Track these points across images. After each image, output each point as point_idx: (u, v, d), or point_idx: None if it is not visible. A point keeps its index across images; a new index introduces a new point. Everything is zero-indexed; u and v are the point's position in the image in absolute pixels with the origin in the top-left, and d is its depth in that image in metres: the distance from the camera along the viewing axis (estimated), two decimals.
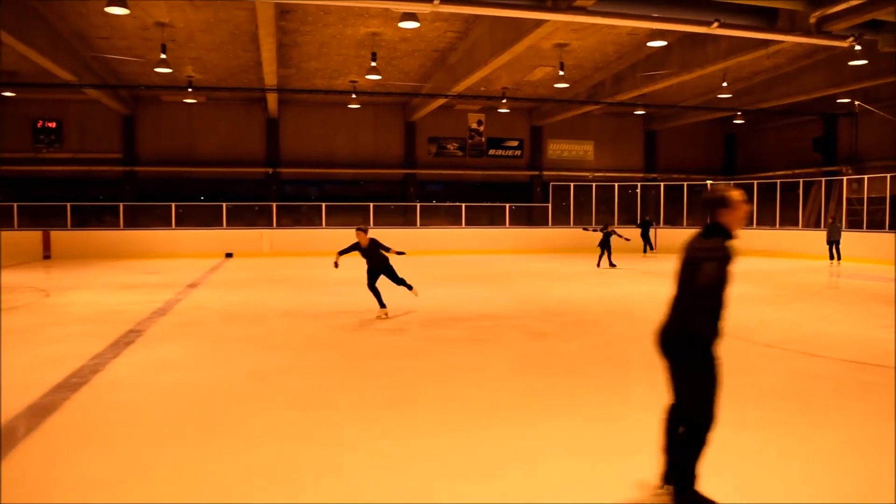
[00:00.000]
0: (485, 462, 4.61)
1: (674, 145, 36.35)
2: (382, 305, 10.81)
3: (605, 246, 19.96)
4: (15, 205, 26.01)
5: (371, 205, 27.56)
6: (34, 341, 8.87)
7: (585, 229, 23.74)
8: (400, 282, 11.09)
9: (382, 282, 10.98)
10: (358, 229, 10.91)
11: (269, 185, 31.44)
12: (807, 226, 26.54)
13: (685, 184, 28.50)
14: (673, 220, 28.28)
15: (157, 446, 4.91)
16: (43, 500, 4.02)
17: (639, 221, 26.56)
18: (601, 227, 20.57)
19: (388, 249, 10.96)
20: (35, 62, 20.02)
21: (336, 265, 11.18)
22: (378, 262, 10.96)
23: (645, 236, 25.44)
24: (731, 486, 4.20)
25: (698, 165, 36.11)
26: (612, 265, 19.86)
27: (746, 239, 20.25)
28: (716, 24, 15.26)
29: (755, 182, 26.54)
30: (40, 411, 5.64)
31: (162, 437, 5.11)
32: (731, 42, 18.75)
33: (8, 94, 27.74)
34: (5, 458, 4.59)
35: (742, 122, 33.93)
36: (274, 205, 27.53)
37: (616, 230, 20.25)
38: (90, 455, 4.72)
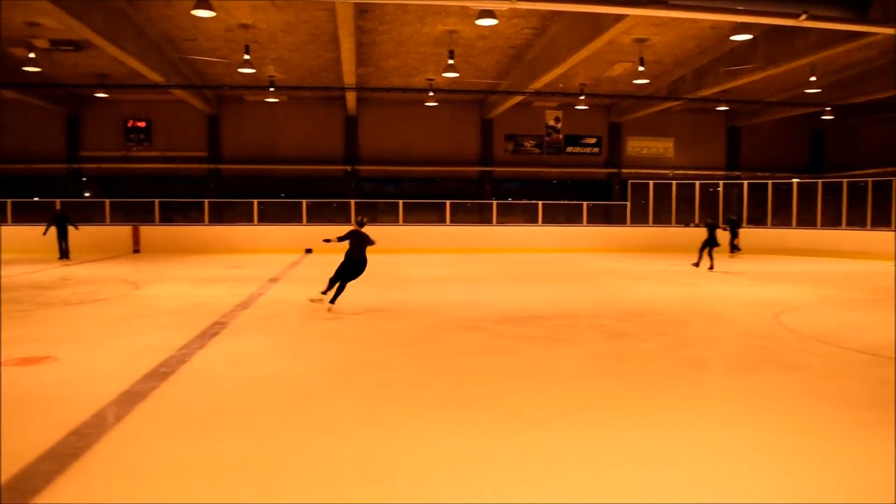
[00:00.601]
0: (558, 463, 4.58)
1: (758, 142, 35.29)
2: (325, 292, 11.07)
3: (710, 244, 18.65)
4: (107, 201, 27.11)
5: (447, 202, 27.64)
6: (124, 332, 9.23)
7: (688, 225, 23.16)
8: (344, 286, 11.22)
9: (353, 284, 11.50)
10: (358, 223, 11.80)
11: (348, 183, 31.90)
12: None
13: (770, 182, 27.64)
14: (757, 220, 27.46)
15: (242, 436, 5.05)
16: (131, 486, 4.18)
17: (722, 220, 25.59)
18: (704, 222, 19.37)
19: (373, 243, 11.54)
20: (125, 64, 20.83)
21: (326, 241, 11.50)
22: (361, 257, 11.34)
23: (733, 235, 24.36)
24: (810, 494, 4.07)
25: (784, 163, 34.96)
26: (705, 266, 18.73)
27: (836, 240, 19.59)
28: (804, 17, 14.73)
29: (844, 181, 25.55)
30: (131, 398, 5.86)
31: (246, 427, 5.25)
32: (821, 35, 18.06)
33: (101, 95, 28.92)
34: (98, 443, 4.79)
35: (831, 117, 32.69)
36: (352, 202, 27.90)
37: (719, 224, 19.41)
38: (178, 442, 4.88)
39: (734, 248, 24.05)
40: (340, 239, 11.34)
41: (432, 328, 9.61)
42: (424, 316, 10.67)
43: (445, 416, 5.53)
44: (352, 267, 11.23)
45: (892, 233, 23.47)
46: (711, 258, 18.64)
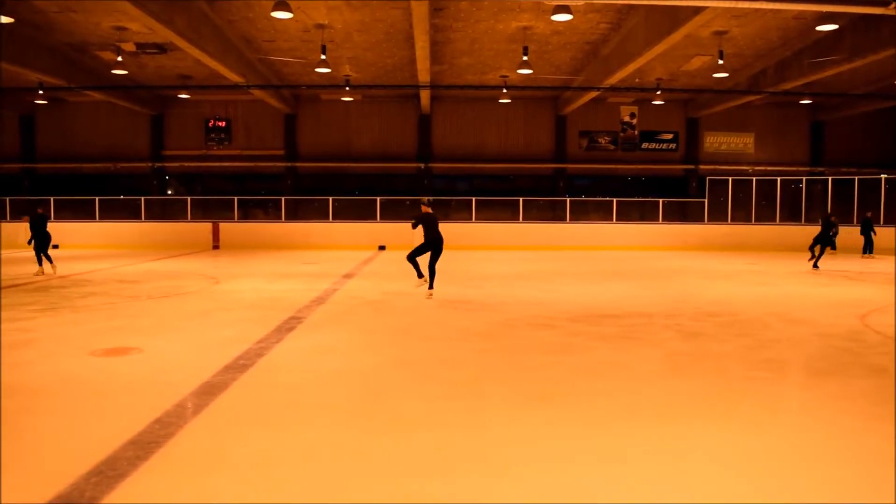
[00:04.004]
0: (634, 464, 4.52)
1: (843, 137, 34.03)
2: (421, 275, 12.30)
3: (824, 241, 18.31)
4: (188, 198, 28.06)
5: (520, 199, 27.58)
6: (204, 325, 9.51)
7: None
8: (433, 270, 12.32)
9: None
10: (423, 203, 12.52)
11: (421, 180, 32.12)
12: None
13: (856, 178, 26.62)
14: (842, 218, 26.47)
15: (319, 427, 5.14)
16: (210, 474, 4.31)
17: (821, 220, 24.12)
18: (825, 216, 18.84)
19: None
20: (207, 65, 21.44)
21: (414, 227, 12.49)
22: (436, 236, 12.22)
23: (865, 233, 23.32)
24: None
25: (871, 158, 33.60)
26: (815, 266, 18.21)
27: None
28: (893, 5, 14.16)
29: None
30: (210, 390, 6.03)
31: (322, 419, 5.34)
32: None
33: (183, 95, 29.85)
34: (181, 431, 4.95)
35: None
36: (425, 198, 28.04)
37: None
38: (256, 433, 5.00)
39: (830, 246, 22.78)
40: (415, 225, 12.40)
41: (504, 325, 9.60)
42: (497, 312, 10.66)
43: (517, 414, 5.52)
44: (428, 247, 12.17)
45: None
46: (818, 255, 18.25)
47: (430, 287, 12.27)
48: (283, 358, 7.44)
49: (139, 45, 21.73)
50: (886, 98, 28.30)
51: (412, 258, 12.24)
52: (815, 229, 20.10)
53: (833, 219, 20.13)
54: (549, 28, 20.24)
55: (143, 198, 27.69)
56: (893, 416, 5.45)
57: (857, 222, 24.29)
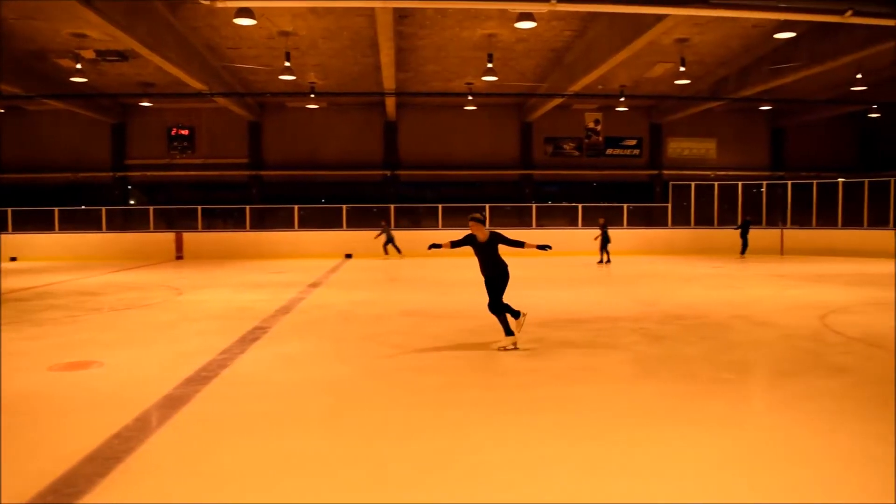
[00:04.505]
0: (604, 467, 4.51)
1: (803, 142, 34.67)
2: (509, 332, 8.32)
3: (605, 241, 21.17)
4: (151, 208, 27.61)
5: (487, 206, 27.58)
6: (167, 337, 9.35)
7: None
8: (499, 308, 8.33)
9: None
10: (472, 219, 8.37)
11: (388, 188, 32.05)
12: None
13: (815, 182, 27.08)
14: (802, 221, 26.91)
15: (285, 438, 5.06)
16: (178, 488, 4.21)
17: (739, 222, 25.26)
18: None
19: (520, 245, 8.37)
20: (169, 73, 21.18)
21: (433, 247, 8.75)
22: (493, 269, 8.41)
23: (743, 236, 24.12)
24: (869, 499, 3.94)
25: (829, 163, 34.24)
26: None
27: (883, 240, 19.15)
28: (849, 13, 14.40)
29: (892, 180, 24.92)
30: (172, 403, 5.92)
31: (289, 429, 5.26)
32: (867, 31, 17.67)
33: (145, 103, 29.47)
34: (142, 446, 4.84)
35: (878, 115, 31.93)
36: (392, 206, 28.00)
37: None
38: (221, 446, 4.90)
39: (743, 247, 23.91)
40: (454, 244, 8.62)
41: (473, 332, 9.57)
42: (465, 319, 10.62)
43: (491, 421, 5.48)
44: (488, 284, 8.49)
45: None
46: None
47: (507, 332, 8.35)
48: (247, 369, 7.33)
49: (99, 53, 21.39)
50: (844, 104, 28.87)
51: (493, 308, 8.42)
52: (776, 233, 22.00)
53: (749, 218, 24.47)
54: (513, 35, 20.33)
55: (104, 208, 27.22)
56: (893, 418, 5.50)
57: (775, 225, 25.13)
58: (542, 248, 8.44)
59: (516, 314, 8.44)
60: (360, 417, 5.61)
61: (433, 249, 8.72)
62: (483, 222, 8.36)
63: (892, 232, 23.87)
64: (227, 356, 7.84)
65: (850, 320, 10.36)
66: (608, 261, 21.51)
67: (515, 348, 8.21)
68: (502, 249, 8.38)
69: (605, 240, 21.53)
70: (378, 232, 24.84)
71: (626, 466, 4.50)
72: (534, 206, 28.79)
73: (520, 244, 8.33)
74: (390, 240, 24.68)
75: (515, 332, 8.36)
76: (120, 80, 25.63)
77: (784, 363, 7.66)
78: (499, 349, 8.21)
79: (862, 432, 5.14)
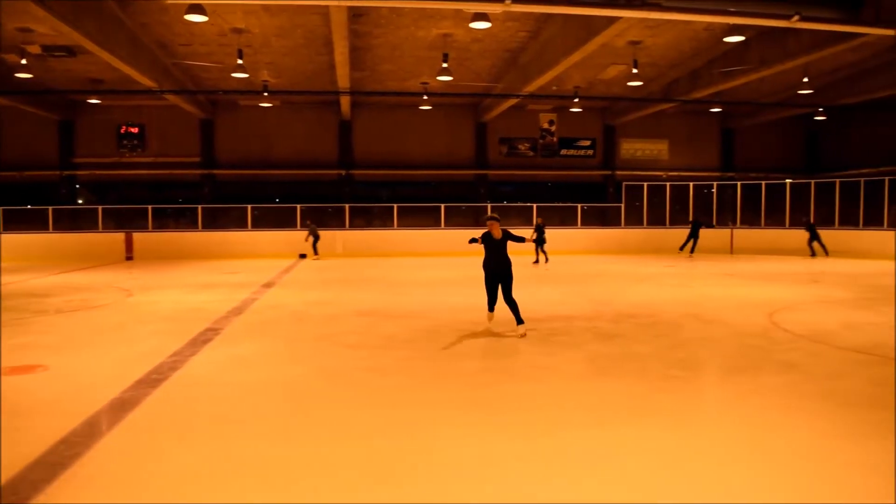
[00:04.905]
0: (559, 464, 4.53)
1: (752, 143, 35.39)
2: (521, 321, 9.22)
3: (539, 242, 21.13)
4: (99, 207, 27.07)
5: (442, 206, 27.61)
6: (116, 339, 9.17)
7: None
8: (511, 301, 9.28)
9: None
10: (492, 218, 9.45)
11: (343, 187, 31.87)
12: (892, 226, 25.38)
13: (763, 183, 27.66)
14: (751, 221, 27.46)
15: (238, 442, 4.99)
16: (127, 493, 4.12)
17: (690, 219, 25.69)
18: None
19: (522, 240, 9.76)
20: (119, 70, 20.76)
21: (473, 241, 9.54)
22: (502, 264, 9.36)
23: (693, 237, 24.45)
24: (818, 495, 4.03)
25: (777, 164, 35.01)
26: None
27: (828, 239, 19.65)
28: (796, 18, 14.76)
29: (837, 181, 25.56)
30: (122, 406, 5.80)
31: (242, 434, 5.19)
32: (813, 36, 18.12)
33: (94, 100, 28.86)
34: (89, 451, 4.73)
35: (824, 118, 32.76)
36: (347, 206, 27.84)
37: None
38: (172, 449, 4.82)
39: (692, 247, 24.19)
40: (476, 240, 9.51)
41: (428, 331, 9.56)
42: (420, 319, 10.61)
43: (444, 419, 5.50)
44: (497, 278, 9.39)
45: (886, 232, 23.50)
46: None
47: (519, 321, 9.22)
48: (199, 371, 7.22)
49: (46, 48, 20.85)
50: (791, 107, 29.54)
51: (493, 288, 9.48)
52: (727, 232, 23.76)
53: (698, 219, 25.10)
54: (468, 35, 20.36)
55: (51, 207, 26.56)
56: (836, 413, 5.63)
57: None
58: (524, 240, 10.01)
59: (491, 309, 9.51)
60: (314, 418, 5.57)
61: (473, 244, 9.60)
62: (499, 221, 9.45)
63: (837, 231, 24.49)
64: (179, 358, 7.71)
65: (796, 318, 10.59)
66: (546, 260, 21.41)
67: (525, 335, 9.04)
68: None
69: (541, 240, 21.31)
70: (307, 233, 24.49)
71: (578, 462, 4.54)
72: (489, 205, 28.87)
73: (521, 239, 9.74)
74: (317, 239, 24.42)
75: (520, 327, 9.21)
76: (67, 76, 25.04)
77: (733, 360, 7.81)
78: (520, 336, 8.99)
79: (808, 427, 5.26)
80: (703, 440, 5.01)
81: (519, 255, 22.60)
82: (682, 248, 24.33)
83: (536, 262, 21.39)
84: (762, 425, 5.33)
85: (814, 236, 23.78)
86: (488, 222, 9.44)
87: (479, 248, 9.40)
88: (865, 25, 15.70)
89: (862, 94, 25.46)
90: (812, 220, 24.95)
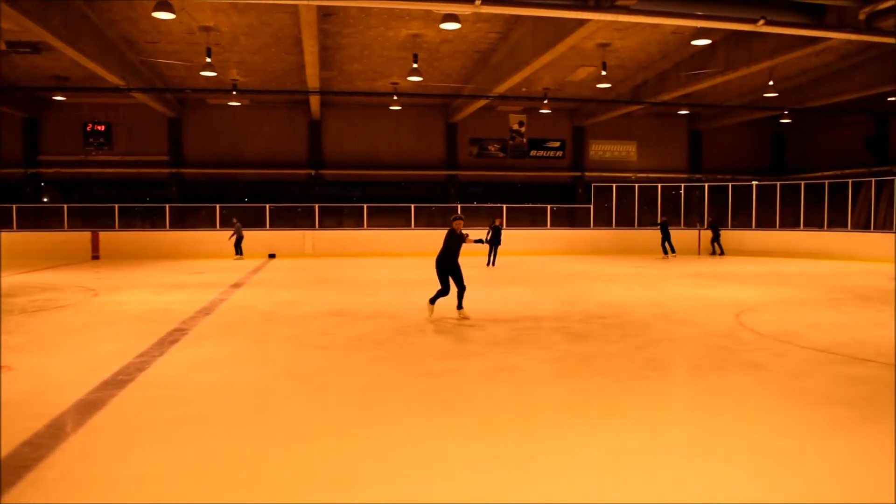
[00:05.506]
0: (529, 464, 4.57)
1: (719, 146, 35.85)
2: (433, 301, 10.56)
3: (493, 243, 20.76)
4: (65, 206, 26.69)
5: (412, 206, 27.62)
6: (81, 340, 9.06)
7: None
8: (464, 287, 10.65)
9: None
10: (461, 218, 10.85)
11: (312, 187, 31.73)
12: (856, 227, 25.89)
13: (730, 184, 28.05)
14: (718, 222, 27.81)
15: (206, 444, 4.96)
16: (92, 495, 4.08)
17: (658, 222, 25.93)
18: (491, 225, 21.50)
19: (463, 239, 10.75)
20: (85, 67, 20.47)
21: (479, 241, 11.79)
22: (456, 258, 10.65)
23: (664, 238, 24.73)
24: (782, 494, 4.11)
25: (744, 166, 35.52)
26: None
27: (794, 241, 19.95)
28: (762, 22, 15.00)
29: (802, 182, 26.01)
30: (87, 408, 5.74)
31: (210, 435, 5.15)
32: (778, 40, 18.42)
33: (59, 97, 28.44)
34: (53, 453, 4.68)
35: (789, 121, 33.30)
36: (316, 206, 27.74)
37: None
38: (138, 451, 4.78)
39: (668, 249, 24.48)
40: (479, 241, 11.80)
41: (397, 332, 9.57)
42: (389, 319, 10.62)
43: (413, 420, 5.51)
44: (452, 270, 10.61)
45: (849, 233, 23.97)
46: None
47: (433, 302, 10.60)
48: (165, 372, 7.16)
49: (10, 44, 20.51)
50: (757, 109, 29.97)
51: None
52: (693, 233, 23.71)
53: (664, 219, 25.39)
54: (438, 36, 20.38)
55: (15, 206, 26.14)
56: (798, 410, 5.73)
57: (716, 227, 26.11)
58: (479, 241, 11.57)
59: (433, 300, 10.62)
60: (282, 419, 5.55)
61: (479, 244, 11.78)
62: (461, 220, 10.85)
63: (802, 233, 24.91)
64: (146, 359, 7.64)
65: (762, 318, 10.76)
66: (493, 264, 20.93)
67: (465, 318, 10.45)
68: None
69: (496, 241, 20.93)
70: (231, 232, 24.26)
71: (548, 462, 4.58)
72: (459, 206, 28.89)
73: (462, 239, 10.74)
74: (240, 239, 24.21)
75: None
76: (33, 72, 24.65)
77: (701, 360, 7.91)
78: (465, 318, 10.45)
79: (770, 425, 5.36)
80: (670, 438, 5.08)
81: (505, 255, 22.84)
82: (666, 253, 24.51)
83: (490, 264, 20.94)
84: (728, 423, 5.41)
85: (716, 236, 25.23)
86: (460, 222, 10.73)
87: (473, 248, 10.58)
88: (829, 30, 16.00)
89: (826, 97, 25.92)
90: (714, 220, 25.68)
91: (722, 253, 25.42)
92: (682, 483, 4.25)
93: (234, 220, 24.94)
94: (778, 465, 4.53)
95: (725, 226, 26.73)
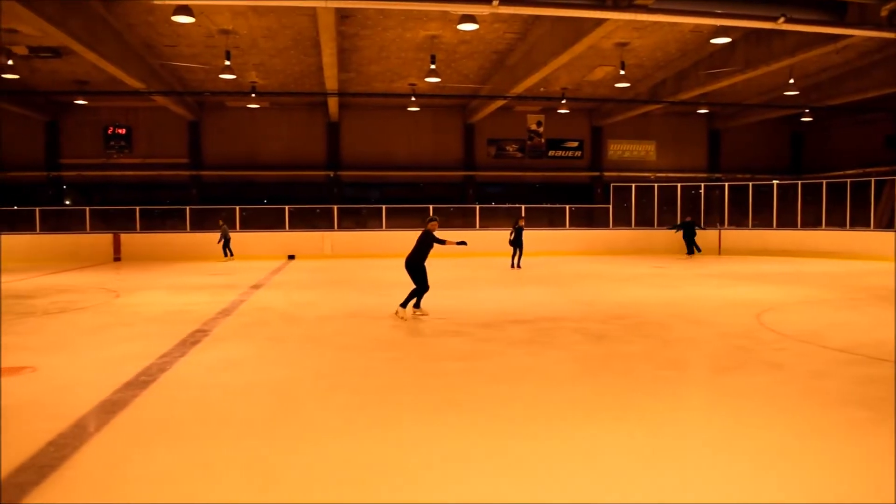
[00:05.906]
0: (544, 465, 4.56)
1: (738, 144, 35.60)
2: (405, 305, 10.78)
3: (516, 244, 20.06)
4: (87, 208, 26.94)
5: (430, 207, 27.58)
6: (104, 341, 9.14)
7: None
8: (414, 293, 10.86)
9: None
10: (436, 220, 11.08)
11: (331, 188, 31.85)
12: (878, 226, 25.60)
13: (750, 184, 27.83)
14: (738, 222, 27.63)
15: (227, 444, 4.99)
16: (115, 495, 4.12)
17: (679, 222, 25.94)
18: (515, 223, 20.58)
19: (442, 242, 10.95)
20: (105, 71, 20.68)
21: (461, 244, 11.62)
22: (408, 260, 10.95)
23: (688, 237, 24.75)
24: (800, 494, 4.08)
25: (764, 165, 35.26)
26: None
27: (815, 240, 19.76)
28: (782, 20, 14.88)
29: (824, 181, 25.76)
30: (110, 408, 5.79)
31: (230, 435, 5.19)
32: (799, 37, 18.27)
33: (80, 101, 28.72)
34: (77, 453, 4.73)
35: (810, 119, 33.01)
36: (335, 207, 27.81)
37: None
38: (160, 451, 4.82)
39: (694, 248, 24.47)
40: (461, 243, 11.72)
41: (415, 333, 9.59)
42: (407, 320, 10.63)
43: (431, 420, 5.51)
44: (422, 271, 10.97)
45: (872, 233, 23.71)
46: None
47: (403, 305, 10.82)
48: (187, 372, 7.21)
49: (32, 49, 20.76)
50: (777, 108, 29.74)
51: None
52: (715, 233, 25.61)
53: (689, 219, 25.60)
54: (456, 37, 20.40)
55: (37, 208, 26.43)
56: (818, 412, 5.69)
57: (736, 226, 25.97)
58: (460, 243, 11.51)
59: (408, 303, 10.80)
60: (302, 420, 5.58)
61: (461, 246, 11.63)
62: (433, 222, 10.98)
63: (824, 232, 24.67)
64: (167, 360, 7.70)
65: (783, 318, 10.68)
66: (518, 265, 20.31)
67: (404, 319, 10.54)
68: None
69: (519, 242, 20.15)
70: (219, 235, 24.14)
71: (567, 464, 4.57)
72: (477, 207, 28.93)
73: (441, 241, 10.94)
74: (227, 241, 24.09)
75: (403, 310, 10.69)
76: (54, 77, 24.93)
77: (720, 360, 7.86)
78: (402, 318, 10.61)
79: (791, 426, 5.32)
80: (690, 440, 5.05)
81: (524, 256, 22.76)
82: (690, 253, 24.52)
83: (514, 266, 20.24)
84: (749, 425, 5.37)
85: (690, 234, 25.12)
86: (433, 223, 10.99)
87: (463, 249, 10.33)
88: (850, 27, 15.85)
89: (846, 95, 25.67)
90: (689, 220, 25.51)
91: (699, 250, 25.32)
92: (702, 484, 4.23)
93: (220, 222, 24.87)
94: (796, 466, 4.49)
95: (700, 224, 26.53)
